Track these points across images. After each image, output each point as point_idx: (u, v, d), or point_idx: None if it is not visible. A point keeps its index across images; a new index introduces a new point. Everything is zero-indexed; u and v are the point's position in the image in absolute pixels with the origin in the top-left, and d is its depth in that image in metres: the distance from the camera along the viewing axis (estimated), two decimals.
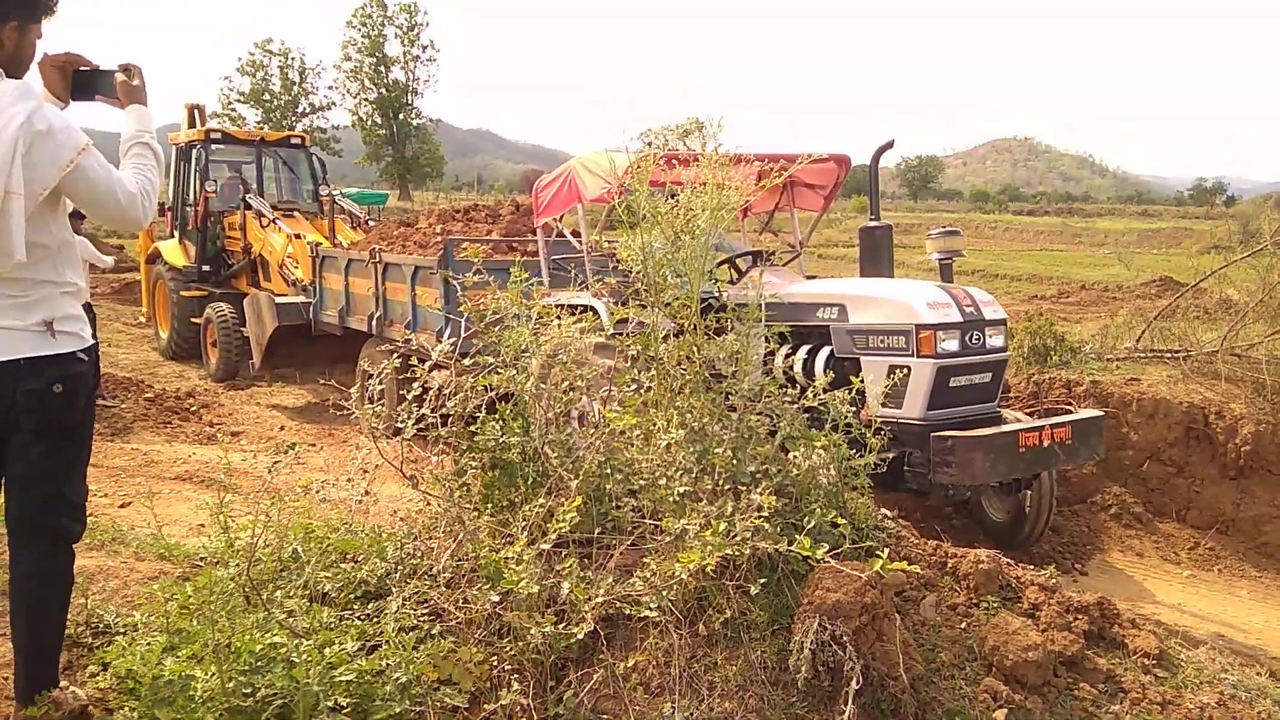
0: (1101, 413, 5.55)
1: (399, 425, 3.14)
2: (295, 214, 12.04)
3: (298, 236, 10.96)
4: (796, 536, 2.72)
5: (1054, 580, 3.18)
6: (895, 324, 5.08)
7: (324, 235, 11.28)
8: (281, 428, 9.20)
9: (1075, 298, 19.27)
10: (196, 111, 13.35)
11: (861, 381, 3.58)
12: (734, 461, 2.93)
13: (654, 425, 3.12)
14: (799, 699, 2.62)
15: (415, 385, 3.09)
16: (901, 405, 4.98)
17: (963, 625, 2.97)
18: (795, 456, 2.97)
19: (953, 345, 4.98)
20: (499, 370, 3.19)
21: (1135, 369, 7.04)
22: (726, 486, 2.90)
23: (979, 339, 5.11)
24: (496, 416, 3.18)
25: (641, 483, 2.95)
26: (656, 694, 2.69)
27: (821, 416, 3.29)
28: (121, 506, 6.38)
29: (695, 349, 3.33)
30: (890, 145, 6.02)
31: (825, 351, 5.52)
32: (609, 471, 3.12)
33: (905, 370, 4.94)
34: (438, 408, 3.14)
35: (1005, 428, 4.97)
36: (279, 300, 10.22)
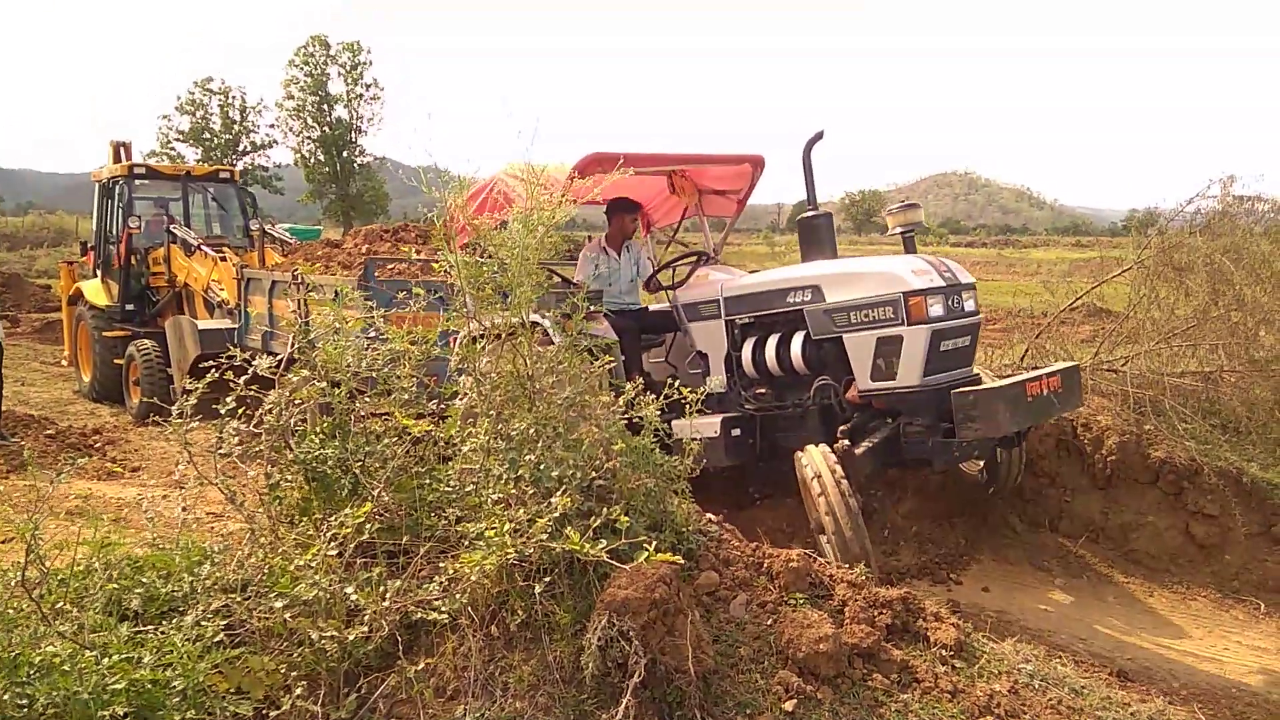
0: (1076, 363, 5.84)
1: (220, 440, 3.17)
2: (224, 249, 11.78)
3: (223, 259, 10.78)
4: (605, 538, 2.79)
5: (863, 578, 3.28)
6: (881, 295, 5.07)
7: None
8: (187, 464, 9.05)
9: (1001, 324, 19.84)
10: (122, 148, 13.17)
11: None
12: (540, 467, 2.99)
13: (471, 435, 3.18)
14: (589, 695, 2.67)
15: (229, 399, 3.12)
16: (896, 376, 5.03)
17: (769, 622, 3.05)
18: (597, 460, 3.04)
19: (939, 310, 5.03)
20: (316, 383, 3.24)
21: None
22: (532, 491, 2.96)
23: (958, 303, 5.19)
24: (316, 430, 3.22)
25: (448, 491, 3.00)
26: (451, 697, 2.73)
27: (639, 425, 3.37)
28: (2, 542, 6.26)
29: (522, 359, 3.40)
30: (820, 136, 5.93)
31: (800, 336, 5.53)
32: (428, 481, 3.17)
33: (897, 340, 4.98)
34: (257, 422, 3.17)
35: (1014, 379, 5.08)
36: (201, 326, 10.00)
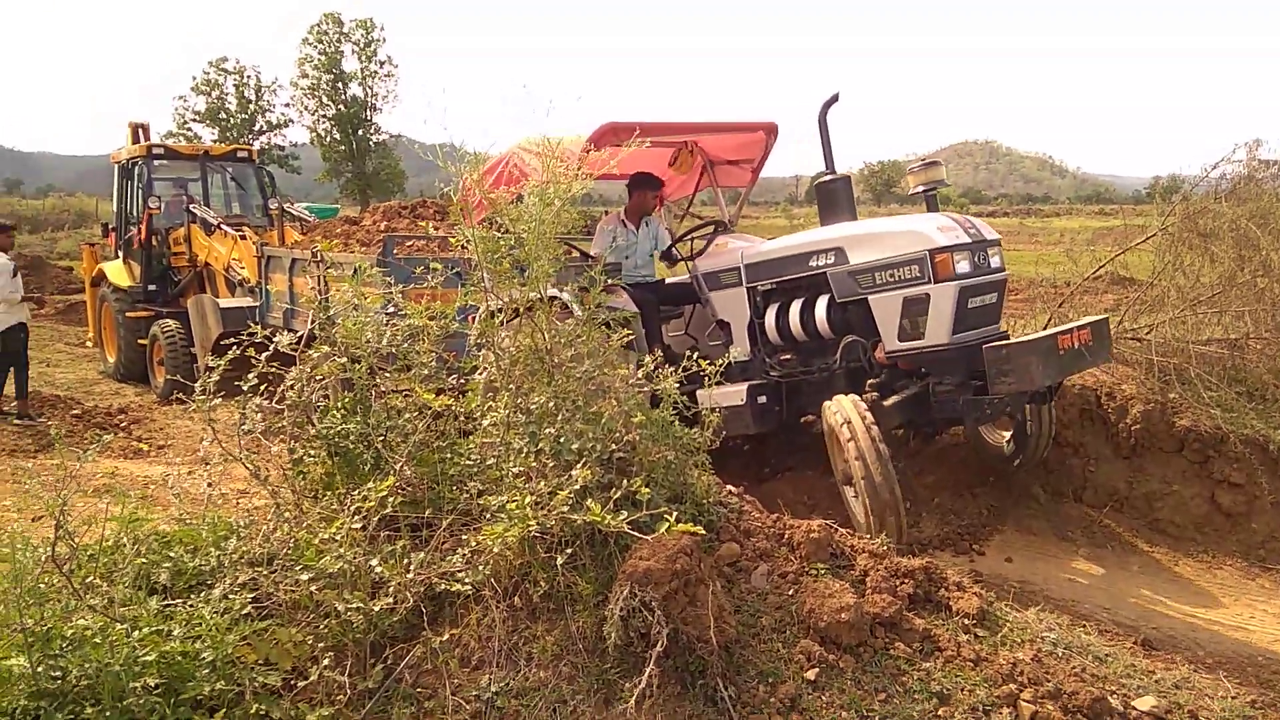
0: (1106, 316, 5.72)
1: (243, 417, 3.19)
2: (244, 228, 11.81)
3: (243, 237, 10.82)
4: (625, 510, 2.79)
5: (884, 548, 3.27)
6: (907, 254, 5.03)
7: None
8: (211, 441, 9.13)
9: (1023, 293, 19.67)
10: (141, 130, 13.22)
11: None
12: (559, 440, 3.00)
13: (491, 409, 3.19)
14: (612, 665, 2.69)
15: (251, 376, 3.14)
16: (924, 335, 5.00)
17: (790, 592, 3.05)
18: (617, 433, 3.04)
19: (966, 266, 4.99)
20: (336, 358, 3.25)
21: None
22: (552, 464, 2.97)
23: (985, 259, 5.14)
24: (338, 406, 3.24)
25: (469, 465, 3.01)
26: (476, 667, 2.75)
27: (659, 398, 3.37)
28: (34, 520, 6.36)
29: (541, 334, 3.40)
30: (836, 98, 5.88)
31: (824, 300, 5.50)
32: (449, 455, 3.19)
33: (924, 299, 4.95)
34: (279, 399, 3.19)
35: (1045, 332, 5.03)
36: (223, 305, 10.05)
